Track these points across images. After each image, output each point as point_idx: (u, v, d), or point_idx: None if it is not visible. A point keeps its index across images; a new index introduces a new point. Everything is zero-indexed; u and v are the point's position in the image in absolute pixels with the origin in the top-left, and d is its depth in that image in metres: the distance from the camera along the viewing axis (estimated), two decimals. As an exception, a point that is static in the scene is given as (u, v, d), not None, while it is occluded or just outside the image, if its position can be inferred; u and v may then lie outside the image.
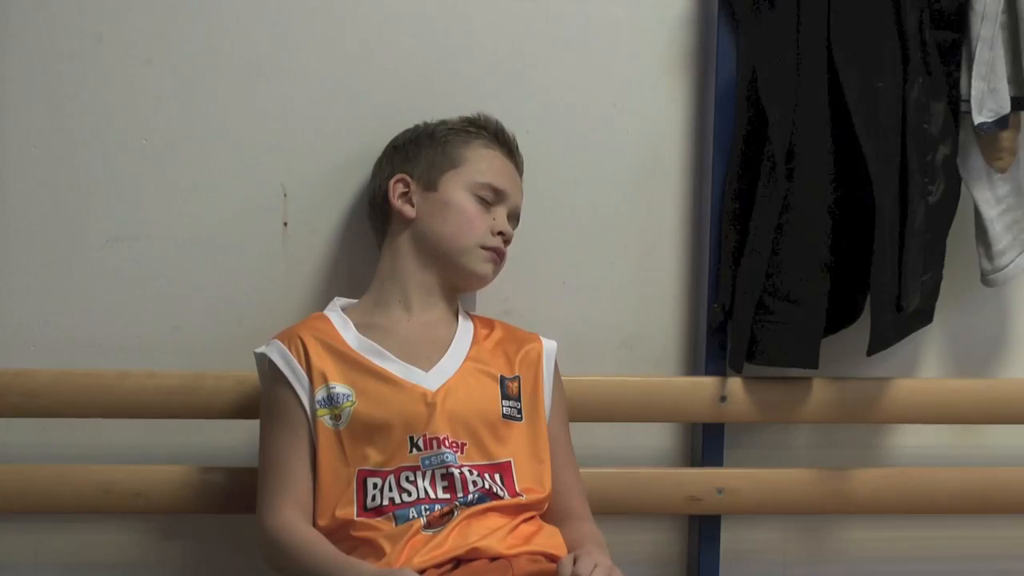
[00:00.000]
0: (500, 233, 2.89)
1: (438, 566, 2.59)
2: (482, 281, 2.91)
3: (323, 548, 2.65)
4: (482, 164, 2.91)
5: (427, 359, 2.77)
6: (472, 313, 3.03)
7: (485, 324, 2.99)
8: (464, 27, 3.23)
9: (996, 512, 3.35)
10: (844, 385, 3.20)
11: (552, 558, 2.69)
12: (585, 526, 2.85)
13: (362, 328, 2.77)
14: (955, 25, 3.22)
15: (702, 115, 3.25)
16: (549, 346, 2.98)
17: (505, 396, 2.85)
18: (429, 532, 2.64)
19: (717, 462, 3.17)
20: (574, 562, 2.54)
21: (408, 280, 2.83)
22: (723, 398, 3.09)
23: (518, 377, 2.89)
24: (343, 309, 2.87)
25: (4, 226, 3.07)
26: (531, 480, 2.80)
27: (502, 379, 2.84)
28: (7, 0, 3.18)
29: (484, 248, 2.85)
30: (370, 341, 2.74)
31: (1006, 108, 3.14)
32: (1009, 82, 3.15)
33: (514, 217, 2.96)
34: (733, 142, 3.14)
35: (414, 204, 2.85)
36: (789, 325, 3.16)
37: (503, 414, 2.80)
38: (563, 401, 2.98)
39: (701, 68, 3.27)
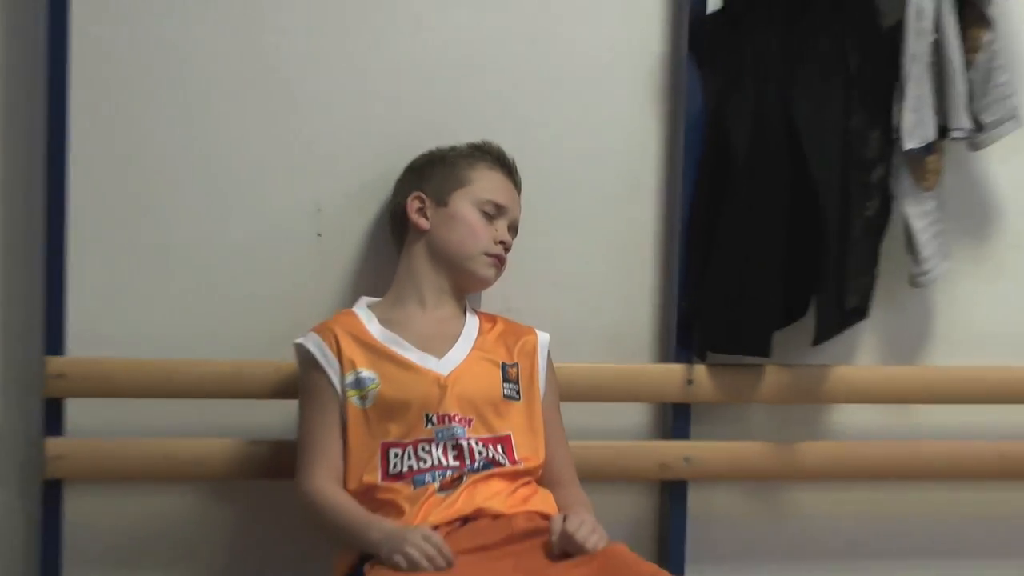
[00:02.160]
0: (501, 242, 2.87)
1: (449, 523, 2.58)
2: (485, 283, 2.90)
3: (352, 508, 2.65)
4: (486, 183, 2.89)
5: (440, 349, 2.76)
6: (477, 309, 3.00)
7: (488, 319, 2.97)
8: (473, 67, 3.14)
9: (920, 478, 3.33)
10: (793, 371, 3.19)
11: (545, 516, 2.67)
12: (573, 490, 2.84)
13: (384, 322, 2.75)
14: (891, 65, 3.06)
15: (674, 141, 3.16)
16: (543, 338, 2.97)
17: (506, 380, 2.83)
18: (442, 495, 2.62)
19: (684, 436, 3.15)
20: (564, 520, 2.54)
21: (423, 281, 2.80)
22: (690, 381, 3.06)
23: (516, 364, 2.86)
24: (368, 306, 2.84)
25: (81, 237, 2.99)
26: (528, 450, 2.77)
27: (503, 365, 2.81)
28: (81, 28, 3.06)
29: (487, 255, 2.83)
30: (391, 333, 2.72)
31: (931, 136, 3.04)
32: (935, 113, 3.03)
33: (513, 228, 2.92)
34: (701, 164, 3.08)
35: (428, 217, 2.83)
36: (746, 320, 3.16)
37: (504, 395, 2.79)
38: (555, 384, 2.95)
39: (674, 101, 3.19)
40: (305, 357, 2.72)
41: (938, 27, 3.01)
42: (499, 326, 2.95)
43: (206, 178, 3.10)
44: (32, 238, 3.07)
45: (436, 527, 2.55)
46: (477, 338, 2.90)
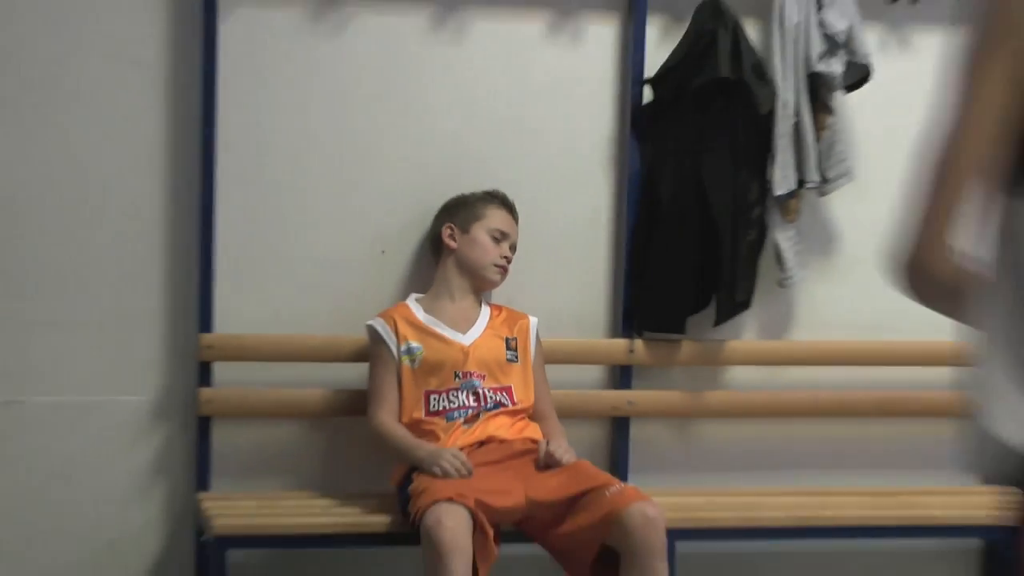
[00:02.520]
0: (504, 257, 3.46)
1: (470, 446, 3.27)
2: (494, 285, 3.51)
3: (404, 435, 3.31)
4: (495, 218, 3.48)
5: (464, 328, 3.41)
6: (489, 302, 3.59)
7: (496, 308, 3.55)
8: (486, 141, 3.64)
9: (785, 415, 3.83)
10: (701, 344, 3.75)
11: (535, 441, 3.35)
12: (552, 422, 3.46)
13: (427, 310, 3.35)
14: (765, 138, 3.60)
15: (621, 190, 3.74)
16: (533, 321, 3.57)
17: (508, 348, 3.46)
18: (465, 427, 3.31)
19: (628, 387, 3.72)
20: (547, 444, 3.28)
21: (452, 283, 3.40)
22: (631, 351, 3.63)
23: (516, 338, 3.48)
24: (416, 299, 3.43)
25: (225, 248, 3.50)
26: (523, 396, 3.42)
27: (507, 339, 3.46)
28: (229, 66, 3.49)
29: (495, 266, 3.44)
30: (431, 317, 3.34)
31: (793, 186, 3.60)
32: (795, 171, 3.56)
33: (513, 248, 3.50)
34: (639, 206, 3.67)
35: (456, 241, 3.40)
36: (669, 309, 3.76)
37: (507, 359, 3.43)
38: (541, 352, 3.53)
39: (621, 164, 3.73)
40: (373, 334, 3.37)
41: (797, 113, 3.58)
42: (504, 313, 3.55)
43: (318, 211, 3.66)
44: (189, 247, 3.54)
45: (461, 448, 3.25)
46: (489, 321, 3.52)
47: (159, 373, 3.56)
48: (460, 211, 3.47)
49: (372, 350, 3.42)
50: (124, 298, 3.59)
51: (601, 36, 3.67)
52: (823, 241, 3.82)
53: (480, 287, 3.49)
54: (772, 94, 3.57)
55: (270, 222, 3.61)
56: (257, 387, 3.55)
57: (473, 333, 3.44)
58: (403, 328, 3.36)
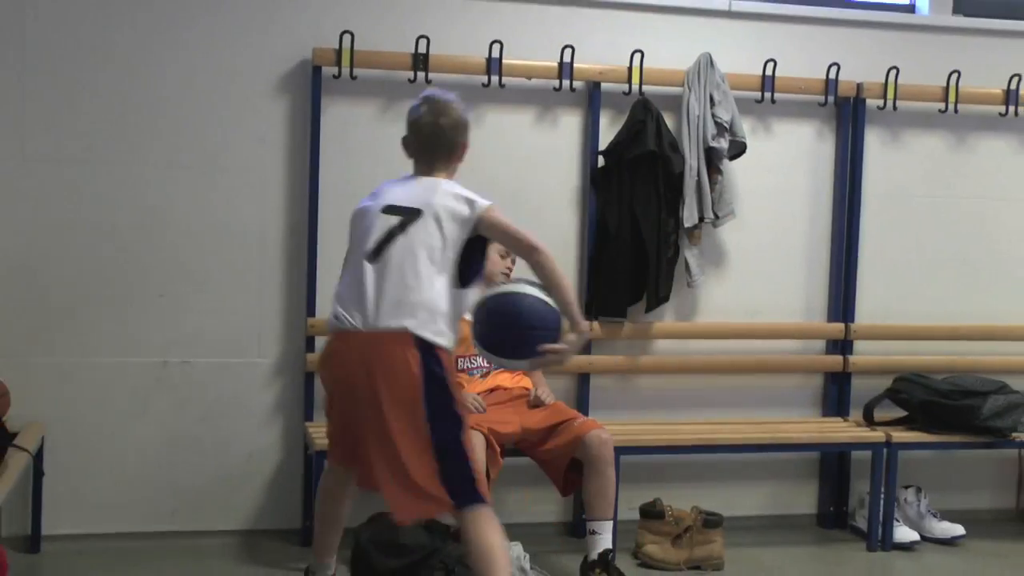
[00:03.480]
0: (508, 268, 3.58)
1: (483, 392, 3.52)
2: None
3: None
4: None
5: None
6: None
7: None
8: (492, 187, 3.28)
9: (691, 372, 4.04)
10: (637, 324, 3.97)
11: (527, 388, 3.61)
12: (539, 376, 3.66)
13: None
14: (678, 189, 3.87)
15: (584, 223, 3.95)
16: None
17: None
18: (481, 379, 3.58)
19: (589, 353, 3.88)
20: (536, 389, 3.54)
21: None
22: (591, 329, 3.58)
23: None
24: None
25: (322, 258, 3.67)
26: None
27: None
28: (327, 141, 3.64)
29: (502, 273, 3.56)
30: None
31: (696, 221, 3.85)
32: (698, 210, 3.85)
33: (514, 260, 3.55)
34: (595, 233, 3.90)
35: None
36: (614, 301, 3.93)
37: None
38: None
39: (583, 206, 3.95)
40: None
41: (698, 173, 3.86)
42: None
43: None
44: (301, 259, 3.72)
45: (478, 393, 3.53)
46: None
47: (279, 343, 3.79)
48: None
49: None
50: (258, 294, 3.75)
51: (570, 123, 3.94)
52: (716, 256, 4.08)
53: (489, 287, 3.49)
54: (682, 161, 3.87)
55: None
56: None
57: None
58: None
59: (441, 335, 2.65)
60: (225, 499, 3.76)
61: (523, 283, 2.83)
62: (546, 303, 2.74)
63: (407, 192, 2.77)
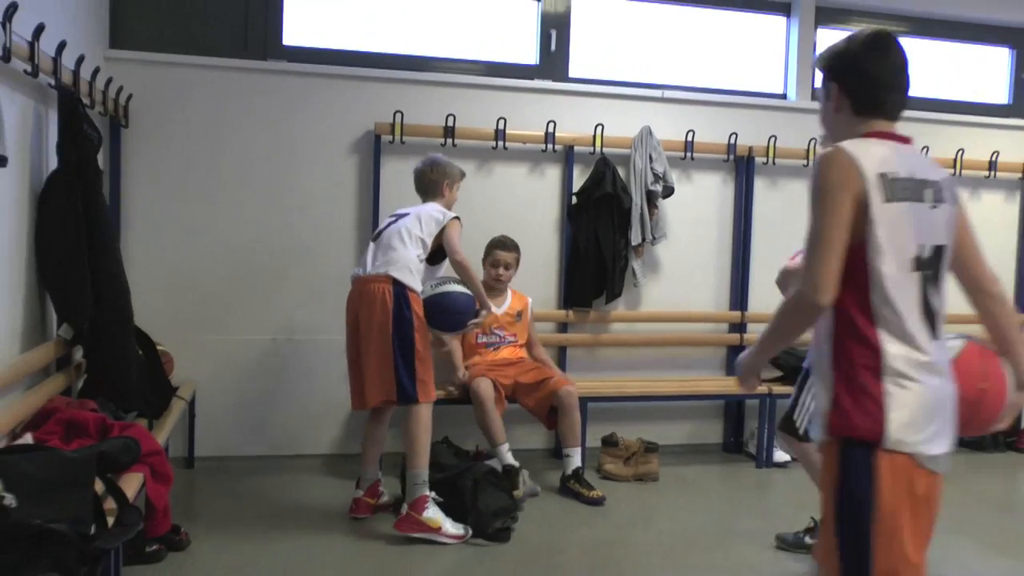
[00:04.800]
0: (500, 275, 3.57)
1: (493, 360, 3.54)
2: (500, 289, 3.58)
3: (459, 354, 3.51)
4: (494, 255, 3.59)
5: (498, 305, 3.55)
6: (509, 290, 3.65)
7: (515, 294, 3.68)
8: (499, 222, 3.80)
9: (638, 345, 4.03)
10: (599, 312, 4.02)
11: (522, 357, 3.59)
12: (538, 349, 3.72)
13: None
14: (628, 216, 3.89)
15: (562, 244, 3.97)
16: (529, 300, 3.73)
17: (517, 315, 3.63)
18: (494, 352, 3.59)
19: (565, 332, 3.96)
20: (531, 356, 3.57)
21: (488, 285, 3.48)
22: (568, 315, 3.89)
23: (520, 311, 3.64)
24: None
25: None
26: (523, 336, 3.65)
27: (517, 312, 3.64)
28: (385, 184, 3.65)
29: (495, 279, 3.57)
30: (488, 302, 3.14)
31: (639, 241, 3.93)
32: (641, 232, 3.92)
33: (506, 266, 3.57)
34: (570, 251, 3.90)
35: (484, 267, 3.58)
36: (583, 296, 3.90)
37: (515, 321, 3.62)
38: (532, 316, 3.65)
39: (561, 233, 3.99)
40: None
41: (641, 208, 3.92)
42: (516, 295, 3.68)
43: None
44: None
45: (491, 362, 3.56)
46: (510, 303, 3.65)
47: None
48: (486, 251, 3.64)
49: None
50: (334, 291, 3.55)
51: (553, 174, 4.01)
52: (653, 265, 4.15)
53: (494, 288, 3.58)
54: (630, 199, 3.95)
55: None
56: None
57: (503, 306, 3.60)
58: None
59: (410, 279, 2.89)
60: (314, 433, 3.82)
61: (451, 283, 3.06)
62: (465, 294, 3.00)
63: (408, 209, 3.09)
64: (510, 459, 3.29)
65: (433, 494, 2.88)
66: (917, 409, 1.46)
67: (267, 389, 3.79)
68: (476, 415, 3.34)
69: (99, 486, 1.96)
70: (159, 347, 3.20)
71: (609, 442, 3.76)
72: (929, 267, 1.51)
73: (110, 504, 1.97)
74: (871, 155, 1.48)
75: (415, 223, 2.95)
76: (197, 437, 3.67)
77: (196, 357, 3.67)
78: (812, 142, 4.18)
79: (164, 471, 2.35)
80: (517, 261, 3.62)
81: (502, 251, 3.61)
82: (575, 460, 3.43)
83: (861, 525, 1.45)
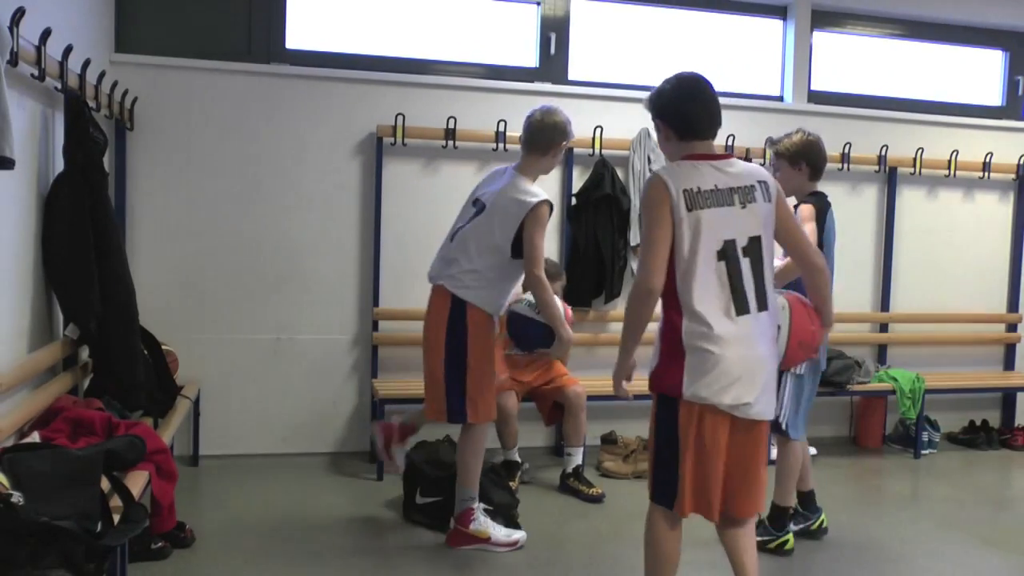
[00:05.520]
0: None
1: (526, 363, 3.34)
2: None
3: None
4: None
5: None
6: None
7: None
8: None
9: (647, 344, 3.09)
10: (598, 311, 3.98)
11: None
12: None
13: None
14: (627, 216, 3.78)
15: (562, 242, 3.91)
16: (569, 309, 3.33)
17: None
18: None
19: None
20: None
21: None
22: (574, 312, 3.44)
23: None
24: None
25: (385, 264, 3.72)
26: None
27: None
28: (387, 185, 3.66)
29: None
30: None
31: (637, 241, 3.48)
32: (638, 233, 3.40)
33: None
34: (571, 250, 3.83)
35: None
36: (584, 295, 3.86)
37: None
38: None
39: (562, 232, 3.93)
40: None
41: (640, 211, 3.25)
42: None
43: (428, 250, 3.37)
44: (369, 265, 3.77)
45: (515, 358, 3.30)
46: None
47: (354, 325, 3.84)
48: None
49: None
50: (339, 290, 3.79)
51: (552, 175, 3.75)
52: None
53: None
54: (628, 201, 3.94)
55: (406, 254, 3.78)
56: (400, 332, 3.81)
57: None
58: None
59: (473, 296, 2.59)
60: (319, 430, 3.82)
61: (524, 301, 2.84)
62: (535, 321, 2.75)
63: (493, 188, 2.70)
64: (515, 456, 3.29)
65: (482, 505, 2.80)
66: (708, 372, 1.88)
67: (271, 388, 3.80)
68: (496, 424, 3.22)
69: (105, 484, 1.97)
70: (164, 346, 3.20)
71: (608, 440, 3.75)
72: (747, 255, 1.91)
73: (116, 501, 1.97)
74: (679, 176, 1.92)
75: (489, 227, 2.59)
76: (202, 435, 3.67)
77: (201, 356, 3.67)
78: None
79: (169, 469, 2.35)
80: (563, 289, 3.49)
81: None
82: (576, 459, 3.42)
83: (672, 449, 1.98)
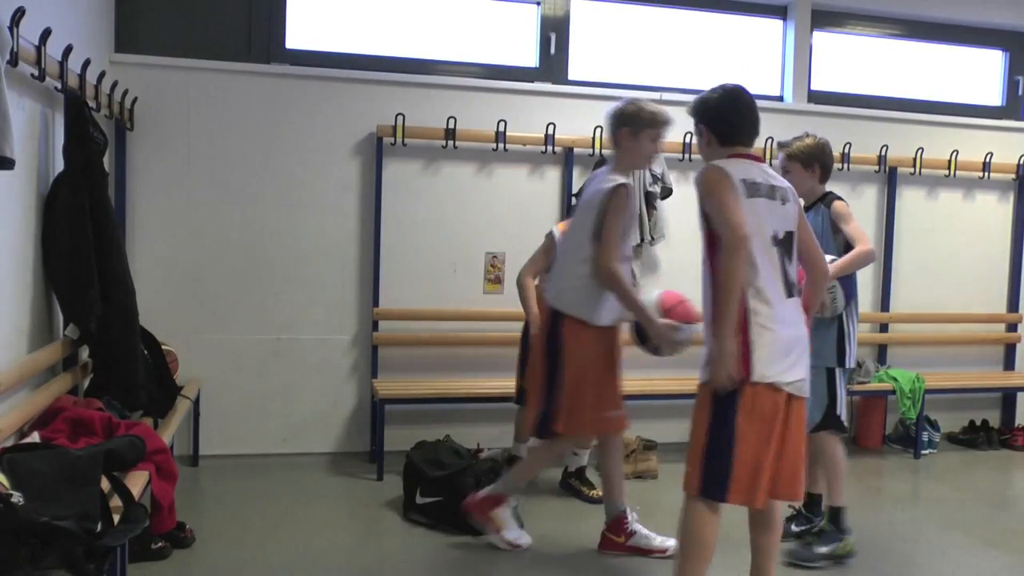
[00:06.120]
0: None
1: None
2: None
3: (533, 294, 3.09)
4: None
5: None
6: None
7: None
8: (503, 216, 3.81)
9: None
10: None
11: None
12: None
13: None
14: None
15: None
16: None
17: None
18: None
19: None
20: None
21: None
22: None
23: None
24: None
25: (384, 265, 3.72)
26: None
27: None
28: (386, 185, 3.66)
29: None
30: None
31: (639, 242, 3.79)
32: (639, 233, 3.75)
33: None
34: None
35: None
36: None
37: None
38: None
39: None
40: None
41: (641, 209, 3.79)
42: None
43: (431, 250, 3.79)
44: (369, 266, 3.76)
45: None
46: None
47: (354, 325, 3.84)
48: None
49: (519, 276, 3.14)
50: (340, 291, 3.80)
51: (553, 175, 3.98)
52: (652, 265, 4.11)
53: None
54: None
55: (405, 254, 3.80)
56: (402, 332, 3.82)
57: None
58: None
59: (570, 307, 2.50)
60: (319, 430, 3.82)
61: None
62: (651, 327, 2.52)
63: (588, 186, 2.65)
64: (521, 452, 3.28)
65: (515, 504, 2.75)
66: (774, 352, 2.00)
67: (271, 388, 3.80)
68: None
69: (105, 484, 1.97)
70: (164, 346, 3.20)
71: (608, 440, 3.73)
72: (782, 245, 2.06)
73: (116, 501, 1.98)
74: (735, 167, 2.07)
75: (576, 227, 2.50)
76: (202, 435, 3.67)
77: (201, 356, 3.67)
78: (808, 144, 4.19)
79: (169, 469, 2.36)
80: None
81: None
82: (581, 460, 3.41)
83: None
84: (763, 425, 2.03)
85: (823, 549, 2.76)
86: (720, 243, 1.98)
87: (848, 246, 2.79)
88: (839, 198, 2.89)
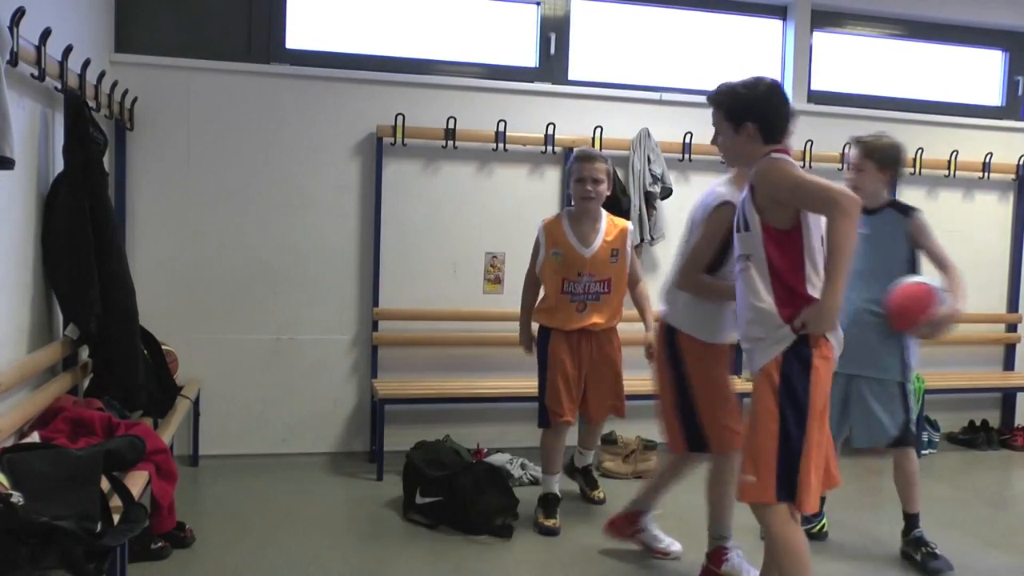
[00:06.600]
0: (587, 190, 2.85)
1: (582, 324, 2.95)
2: (586, 208, 2.90)
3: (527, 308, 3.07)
4: (576, 170, 2.92)
5: (588, 243, 2.96)
6: (601, 217, 2.96)
7: (609, 217, 3.02)
8: (502, 214, 3.82)
9: (641, 343, 3.39)
10: None
11: (614, 325, 2.98)
12: (641, 288, 3.12)
13: (570, 223, 2.96)
14: (627, 214, 3.62)
15: None
16: (630, 226, 3.03)
17: (612, 256, 2.98)
18: (582, 318, 2.97)
19: None
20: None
21: (576, 209, 2.95)
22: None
23: (618, 249, 2.97)
24: (568, 212, 2.97)
25: (384, 265, 3.73)
26: (620, 283, 3.02)
27: (612, 250, 2.98)
28: (386, 185, 3.67)
29: (582, 198, 2.86)
30: (571, 231, 2.94)
31: (637, 241, 3.77)
32: (639, 232, 3.78)
33: (594, 181, 2.85)
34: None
35: (569, 186, 2.97)
36: None
37: (611, 259, 2.98)
38: (632, 247, 3.00)
39: None
40: (538, 235, 3.01)
41: (640, 208, 3.82)
42: (612, 222, 2.97)
43: (429, 250, 3.80)
44: (369, 266, 3.78)
45: (578, 331, 2.96)
46: (604, 234, 2.94)
47: (354, 325, 3.84)
48: (570, 170, 3.00)
49: (535, 244, 3.02)
50: (339, 291, 3.80)
51: (552, 176, 3.97)
52: (652, 265, 4.08)
53: (584, 210, 2.95)
54: (629, 200, 3.91)
55: (405, 254, 3.81)
56: (401, 332, 3.83)
57: (592, 247, 2.96)
58: (553, 236, 2.97)
59: (684, 323, 2.46)
60: (319, 430, 3.82)
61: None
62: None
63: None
64: (555, 489, 3.08)
65: (737, 546, 2.61)
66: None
67: (271, 388, 3.80)
68: (546, 440, 3.04)
69: (105, 484, 1.97)
70: (164, 346, 3.20)
71: (608, 440, 3.74)
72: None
73: (116, 501, 1.98)
74: (791, 162, 2.04)
75: (688, 240, 2.48)
76: (202, 435, 3.67)
77: (201, 356, 3.68)
78: (809, 144, 4.19)
79: (169, 469, 2.36)
80: (609, 176, 2.99)
81: (587, 163, 2.92)
82: (587, 459, 3.42)
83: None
84: (825, 404, 2.00)
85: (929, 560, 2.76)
86: (775, 235, 1.93)
87: (913, 259, 2.70)
88: (917, 209, 2.76)
